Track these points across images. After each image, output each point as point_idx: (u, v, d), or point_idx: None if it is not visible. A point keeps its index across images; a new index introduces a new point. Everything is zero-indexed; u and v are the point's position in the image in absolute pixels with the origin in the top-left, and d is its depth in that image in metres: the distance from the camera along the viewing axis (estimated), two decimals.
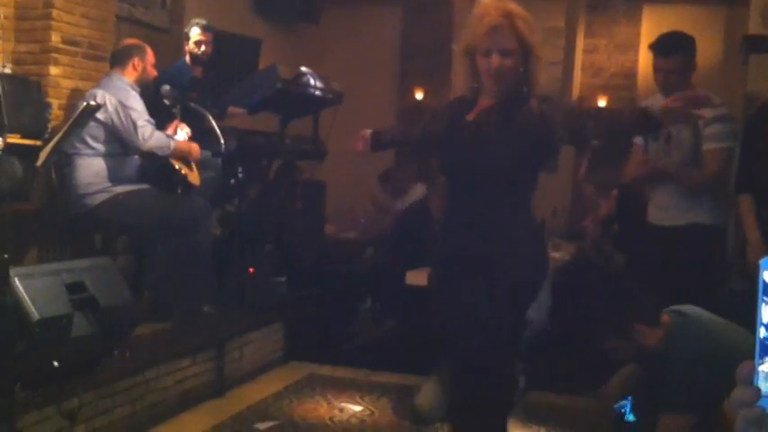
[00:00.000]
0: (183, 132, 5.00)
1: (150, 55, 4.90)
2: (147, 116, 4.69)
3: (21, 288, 3.25)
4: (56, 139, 4.08)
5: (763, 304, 0.79)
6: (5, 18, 5.02)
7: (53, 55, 5.01)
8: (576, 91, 8.11)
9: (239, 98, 5.71)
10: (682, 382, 2.53)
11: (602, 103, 7.86)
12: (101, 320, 3.58)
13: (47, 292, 3.38)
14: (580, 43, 8.10)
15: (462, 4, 8.24)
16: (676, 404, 2.56)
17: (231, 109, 5.80)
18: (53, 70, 4.99)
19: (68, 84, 5.08)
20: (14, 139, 4.32)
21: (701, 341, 2.55)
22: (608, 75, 7.96)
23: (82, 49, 5.21)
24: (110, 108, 4.59)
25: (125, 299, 3.80)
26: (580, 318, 4.14)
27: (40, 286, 3.36)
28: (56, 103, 4.93)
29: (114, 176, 4.64)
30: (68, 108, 4.92)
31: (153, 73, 4.92)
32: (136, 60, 4.83)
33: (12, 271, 3.28)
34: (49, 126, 4.73)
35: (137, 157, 4.76)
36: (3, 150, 4.01)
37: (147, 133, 4.61)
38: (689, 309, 2.73)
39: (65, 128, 4.14)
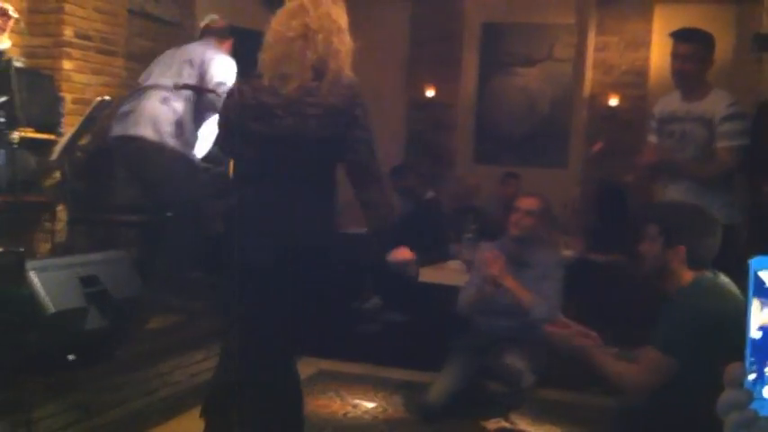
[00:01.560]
0: None
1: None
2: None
3: (36, 281, 3.26)
4: (70, 133, 4.09)
5: (754, 303, 0.76)
6: (18, 12, 5.03)
7: (66, 49, 5.03)
8: (586, 89, 8.10)
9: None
10: (685, 328, 2.52)
11: (613, 101, 7.85)
12: (114, 313, 3.59)
13: (61, 285, 3.39)
14: (591, 41, 8.07)
15: None
16: (670, 343, 2.55)
17: None
18: (66, 64, 5.01)
19: (81, 78, 5.09)
20: (28, 132, 4.34)
21: (725, 301, 2.54)
22: (619, 72, 7.93)
23: (94, 43, 5.23)
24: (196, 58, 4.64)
25: (138, 291, 3.81)
26: (591, 314, 4.15)
27: (54, 279, 3.37)
28: (69, 97, 4.94)
29: None
30: (81, 102, 4.94)
31: None
32: (229, 42, 4.94)
33: (27, 264, 3.29)
34: (62, 120, 4.74)
35: None
36: (17, 144, 4.01)
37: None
38: (723, 276, 2.72)
39: (79, 123, 4.15)
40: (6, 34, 3.51)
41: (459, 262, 5.37)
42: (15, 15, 3.46)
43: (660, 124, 4.20)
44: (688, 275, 2.65)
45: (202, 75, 4.58)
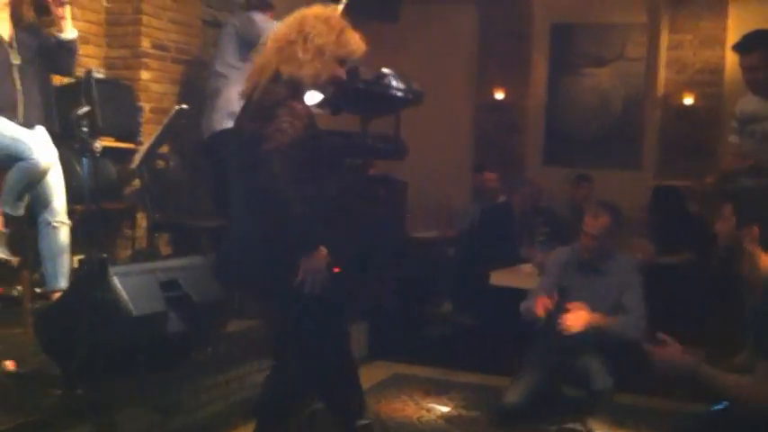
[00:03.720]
0: None
1: None
2: None
3: (119, 286, 3.34)
4: (149, 142, 4.19)
5: None
6: (98, 24, 5.19)
7: (144, 60, 5.16)
8: (660, 88, 7.93)
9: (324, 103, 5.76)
10: None
11: (688, 100, 7.67)
12: (194, 317, 3.65)
13: (143, 289, 3.47)
14: (664, 39, 7.91)
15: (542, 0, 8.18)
16: None
17: (314, 110, 5.85)
18: (144, 74, 5.14)
19: (158, 87, 5.22)
20: (109, 142, 4.46)
21: None
22: (693, 71, 7.75)
23: (170, 53, 5.35)
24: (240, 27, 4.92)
25: (217, 296, 3.87)
26: (670, 318, 4.06)
27: (136, 284, 3.44)
28: (147, 107, 5.07)
29: None
30: (159, 111, 5.06)
31: None
32: (271, 11, 5.06)
33: (110, 269, 3.38)
34: (141, 129, 4.86)
35: None
36: (99, 153, 4.13)
37: None
38: None
39: (158, 131, 4.26)
40: (69, 22, 3.62)
41: (531, 265, 5.32)
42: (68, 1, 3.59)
43: (741, 124, 4.12)
44: (765, 259, 2.60)
45: None
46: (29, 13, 3.62)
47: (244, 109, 3.04)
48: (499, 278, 5.26)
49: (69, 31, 3.64)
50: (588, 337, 3.99)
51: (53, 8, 3.58)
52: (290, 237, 2.78)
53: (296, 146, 2.76)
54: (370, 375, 5.01)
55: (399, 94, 5.72)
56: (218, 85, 4.98)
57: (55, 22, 3.66)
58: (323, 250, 2.81)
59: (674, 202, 6.44)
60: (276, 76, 2.90)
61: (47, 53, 3.67)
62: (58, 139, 3.69)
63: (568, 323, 3.90)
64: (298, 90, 2.95)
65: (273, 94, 2.87)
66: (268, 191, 2.74)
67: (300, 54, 2.91)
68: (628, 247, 5.39)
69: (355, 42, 3.03)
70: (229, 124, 4.48)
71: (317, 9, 3.08)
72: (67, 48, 3.67)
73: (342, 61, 3.03)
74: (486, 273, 5.39)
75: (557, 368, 4.21)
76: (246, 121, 2.93)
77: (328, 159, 3.11)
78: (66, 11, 3.61)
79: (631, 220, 6.27)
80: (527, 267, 5.39)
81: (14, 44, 3.55)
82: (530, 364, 4.28)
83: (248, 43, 4.91)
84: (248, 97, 2.98)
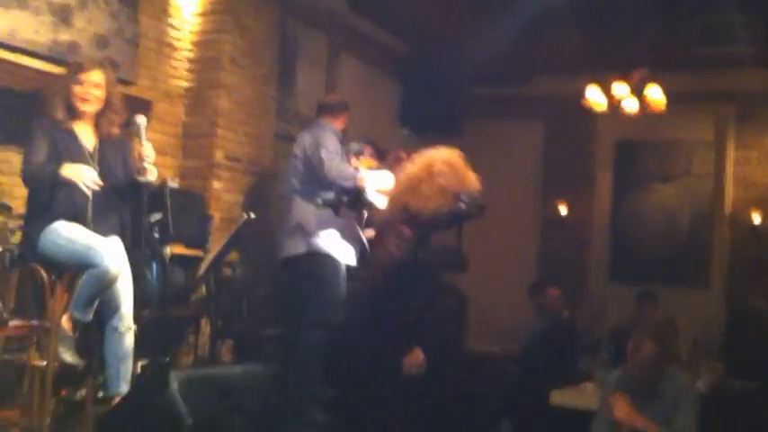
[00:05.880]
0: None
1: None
2: (338, 153, 4.87)
3: (177, 391, 3.40)
4: (216, 250, 4.32)
5: None
6: (174, 137, 5.44)
7: (215, 170, 5.36)
8: (728, 205, 7.85)
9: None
10: None
11: (756, 218, 7.56)
12: (250, 424, 3.67)
13: (200, 396, 3.52)
14: (730, 155, 7.88)
15: (606, 118, 8.27)
16: None
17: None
18: (215, 184, 5.33)
19: (229, 197, 5.40)
20: (178, 248, 4.60)
21: None
22: (762, 188, 7.67)
23: (243, 165, 5.55)
24: (306, 146, 4.89)
25: (274, 403, 3.89)
26: None
27: (194, 391, 3.50)
28: (217, 216, 5.23)
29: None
30: (229, 220, 5.21)
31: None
32: (345, 114, 5.15)
33: (171, 374, 3.44)
34: (210, 237, 5.01)
35: None
36: (168, 259, 4.25)
37: (333, 165, 4.78)
38: None
39: (225, 241, 4.38)
40: (151, 168, 3.70)
41: (593, 384, 5.20)
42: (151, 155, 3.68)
43: None
44: None
45: None
46: (111, 128, 3.78)
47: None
48: (559, 397, 5.14)
49: (150, 175, 3.70)
50: None
51: (136, 160, 3.68)
52: (396, 340, 3.26)
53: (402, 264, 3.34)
54: None
55: (462, 207, 5.80)
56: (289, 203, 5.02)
57: (137, 168, 3.71)
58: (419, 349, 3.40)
59: (753, 324, 6.26)
60: (404, 209, 3.40)
61: (126, 177, 3.78)
62: (129, 245, 3.79)
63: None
64: (415, 219, 3.47)
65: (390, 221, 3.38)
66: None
67: (426, 191, 3.44)
68: (697, 368, 5.25)
69: (472, 181, 3.63)
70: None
71: (443, 153, 3.74)
72: (142, 186, 3.75)
73: (460, 196, 3.55)
74: (547, 391, 5.28)
75: None
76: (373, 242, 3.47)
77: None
78: (147, 161, 3.70)
79: (700, 339, 6.11)
80: (588, 386, 5.26)
81: (95, 155, 3.70)
82: None
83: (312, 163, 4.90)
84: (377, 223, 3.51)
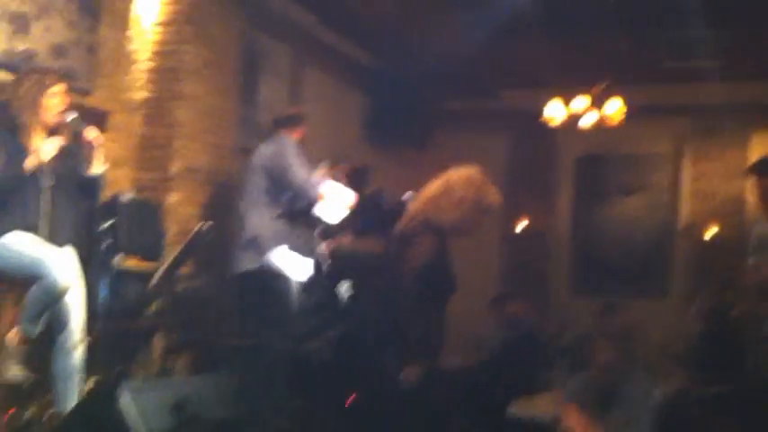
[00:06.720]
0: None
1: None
2: (301, 162, 4.93)
3: (130, 403, 3.35)
4: (169, 262, 4.27)
5: None
6: (130, 149, 5.37)
7: (173, 182, 5.31)
8: (686, 217, 7.95)
9: (348, 223, 5.86)
10: None
11: (714, 229, 7.66)
12: None
13: (154, 408, 3.47)
14: (688, 169, 7.99)
15: (567, 132, 8.34)
16: None
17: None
18: (173, 196, 5.28)
19: (187, 210, 5.34)
20: (135, 262, 4.55)
21: None
22: (717, 201, 7.78)
23: (202, 176, 5.51)
24: (267, 157, 4.96)
25: (231, 414, 3.85)
26: None
27: (147, 402, 3.45)
28: (175, 228, 5.17)
29: None
30: (186, 232, 5.16)
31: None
32: (303, 126, 5.19)
33: (123, 386, 3.39)
34: (164, 250, 4.96)
35: None
36: (122, 270, 4.21)
37: (299, 172, 4.85)
38: None
39: (178, 251, 4.34)
40: (98, 159, 3.72)
41: (552, 394, 5.22)
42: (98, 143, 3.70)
43: (758, 247, 4.13)
44: None
45: None
46: (66, 137, 3.72)
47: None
48: (519, 408, 5.16)
49: (96, 168, 3.73)
50: None
51: (83, 148, 3.70)
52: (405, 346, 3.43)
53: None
54: None
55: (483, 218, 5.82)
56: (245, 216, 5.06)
57: (85, 156, 3.73)
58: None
59: (722, 331, 6.31)
60: (425, 221, 3.59)
61: (78, 180, 3.78)
62: (84, 259, 3.73)
63: None
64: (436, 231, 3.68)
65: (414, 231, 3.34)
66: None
67: (445, 204, 3.69)
68: (658, 375, 5.29)
69: (491, 194, 3.94)
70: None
71: (461, 170, 4.21)
72: (93, 182, 3.77)
73: (481, 209, 3.81)
74: (507, 402, 5.29)
75: None
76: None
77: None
78: (95, 150, 3.70)
79: (660, 347, 6.18)
80: (548, 396, 5.29)
81: (50, 165, 3.64)
82: None
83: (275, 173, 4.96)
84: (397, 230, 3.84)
